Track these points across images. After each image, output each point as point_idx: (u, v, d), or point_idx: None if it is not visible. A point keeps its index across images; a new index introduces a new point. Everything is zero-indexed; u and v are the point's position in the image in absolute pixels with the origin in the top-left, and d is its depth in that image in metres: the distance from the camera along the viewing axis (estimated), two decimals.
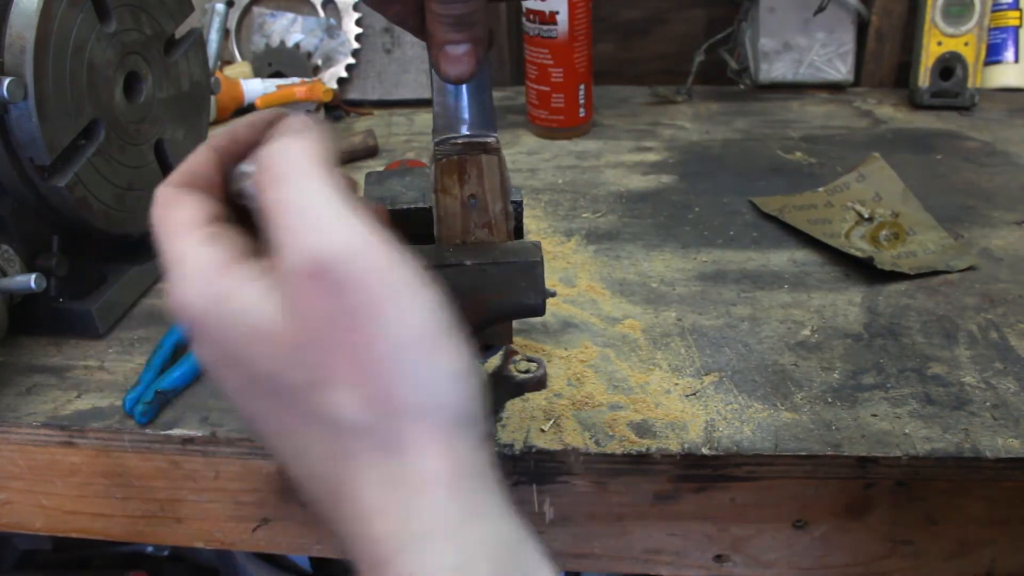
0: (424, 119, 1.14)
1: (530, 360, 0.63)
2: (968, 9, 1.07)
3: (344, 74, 1.16)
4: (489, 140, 0.54)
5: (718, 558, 0.62)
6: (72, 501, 0.66)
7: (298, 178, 0.31)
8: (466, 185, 0.53)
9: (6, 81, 0.61)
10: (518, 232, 0.57)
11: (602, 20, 1.22)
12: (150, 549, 1.16)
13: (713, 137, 1.06)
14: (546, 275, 0.52)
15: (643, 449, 0.58)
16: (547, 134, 1.08)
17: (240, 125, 0.38)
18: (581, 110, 1.06)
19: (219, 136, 0.38)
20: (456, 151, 0.53)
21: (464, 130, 0.54)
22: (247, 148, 0.38)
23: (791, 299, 0.73)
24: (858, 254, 0.77)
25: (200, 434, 0.62)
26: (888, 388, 0.63)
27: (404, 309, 0.30)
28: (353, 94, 1.18)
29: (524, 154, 1.04)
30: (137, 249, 0.80)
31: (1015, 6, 1.13)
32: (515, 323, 0.61)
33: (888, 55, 1.17)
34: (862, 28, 1.15)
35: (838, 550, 0.61)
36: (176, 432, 0.62)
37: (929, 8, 1.08)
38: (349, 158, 1.03)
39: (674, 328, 0.70)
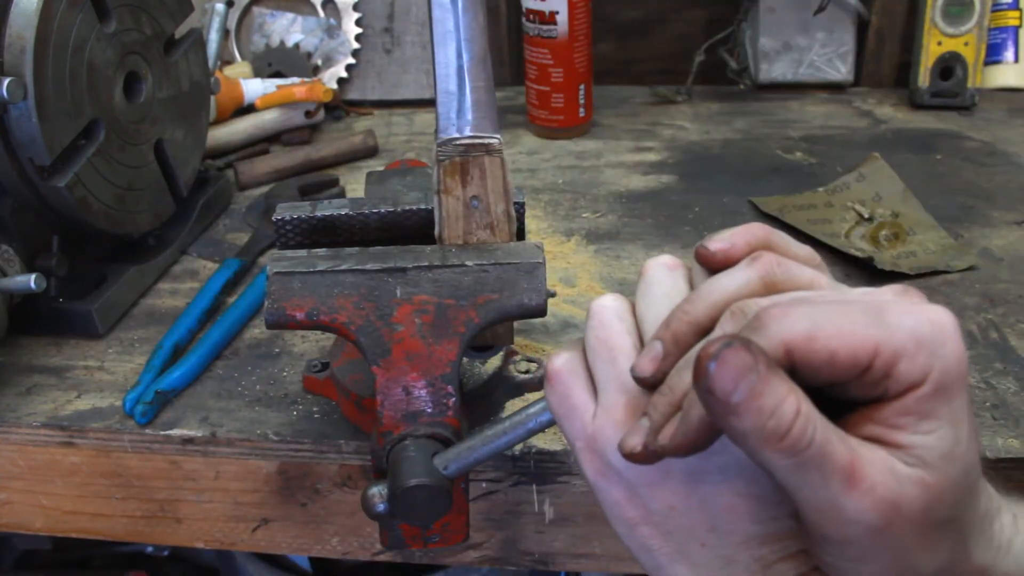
0: (424, 119, 1.14)
1: (530, 360, 0.63)
2: (968, 9, 1.07)
3: (344, 74, 1.16)
4: (492, 141, 0.54)
5: None
6: (72, 501, 0.66)
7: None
8: (468, 186, 0.53)
9: (6, 81, 0.61)
10: (520, 233, 0.58)
11: (602, 20, 1.22)
12: (150, 549, 1.16)
13: (713, 137, 1.06)
14: (546, 275, 0.52)
15: None
16: (547, 134, 1.08)
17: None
18: (581, 110, 1.06)
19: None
20: (459, 152, 0.53)
21: (467, 132, 0.54)
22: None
23: None
24: (858, 254, 0.77)
25: (200, 434, 0.62)
26: None
27: None
28: (353, 94, 1.18)
29: (524, 154, 1.04)
30: (137, 249, 0.80)
31: (1015, 6, 1.13)
32: (515, 323, 0.61)
33: (888, 55, 1.17)
34: (862, 28, 1.15)
35: None
36: (176, 432, 0.62)
37: (929, 8, 1.08)
38: (349, 158, 1.03)
39: None
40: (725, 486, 0.38)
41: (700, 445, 0.35)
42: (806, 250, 0.41)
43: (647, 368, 0.38)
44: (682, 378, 0.37)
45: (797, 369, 0.34)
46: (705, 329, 0.38)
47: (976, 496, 0.36)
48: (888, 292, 0.36)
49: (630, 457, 0.37)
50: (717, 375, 0.32)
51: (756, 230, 0.40)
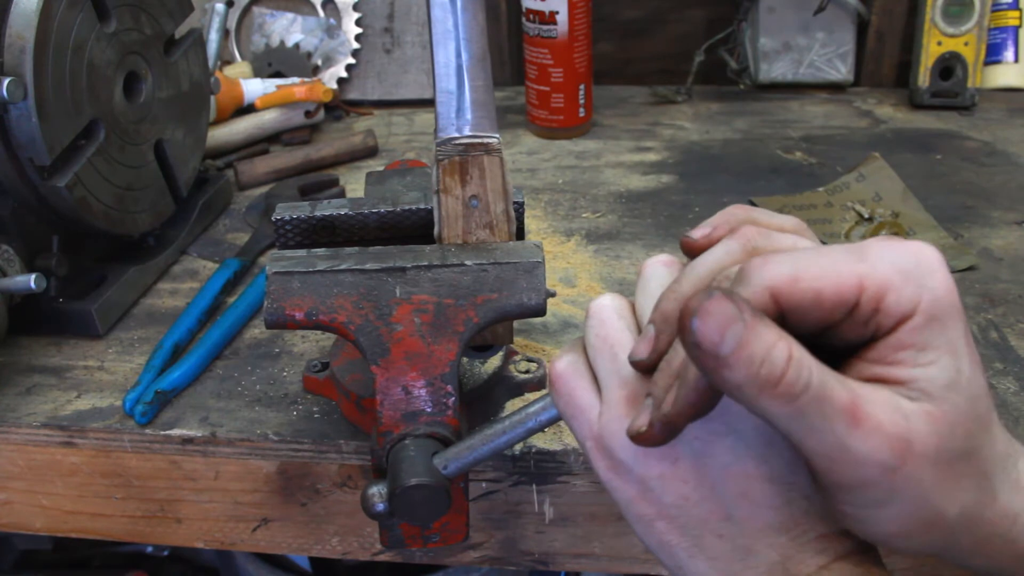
0: (424, 119, 1.14)
1: (530, 360, 0.64)
2: (968, 9, 1.07)
3: (344, 74, 1.16)
4: (491, 141, 0.54)
5: None
6: (72, 501, 0.66)
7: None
8: (468, 186, 0.53)
9: (6, 81, 0.61)
10: (519, 233, 0.58)
11: (602, 20, 1.22)
12: (150, 549, 1.16)
13: (713, 137, 1.06)
14: (546, 275, 0.52)
15: None
16: (547, 134, 1.08)
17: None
18: (581, 110, 1.06)
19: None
20: (458, 152, 0.53)
21: (466, 131, 0.54)
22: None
23: None
24: None
25: (200, 434, 0.62)
26: None
27: None
28: (353, 94, 1.18)
29: (524, 154, 1.04)
30: (137, 249, 0.80)
31: (1015, 6, 1.13)
32: (515, 323, 0.61)
33: (888, 55, 1.17)
34: (862, 28, 1.15)
35: None
36: (176, 432, 0.62)
37: (929, 8, 1.08)
38: (349, 158, 1.03)
39: None
40: (735, 468, 0.37)
41: (703, 405, 0.35)
42: (791, 220, 0.41)
43: (643, 351, 0.38)
44: (678, 354, 0.37)
45: (785, 314, 0.34)
46: None
47: (990, 429, 0.36)
48: (870, 240, 0.36)
49: (638, 438, 0.37)
50: (701, 328, 0.31)
51: (736, 210, 0.41)
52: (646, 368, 0.38)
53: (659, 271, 0.41)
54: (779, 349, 0.32)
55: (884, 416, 0.32)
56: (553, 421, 0.44)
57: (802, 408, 0.32)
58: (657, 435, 0.36)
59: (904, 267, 0.34)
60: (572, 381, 0.41)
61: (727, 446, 0.37)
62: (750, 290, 0.34)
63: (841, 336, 0.35)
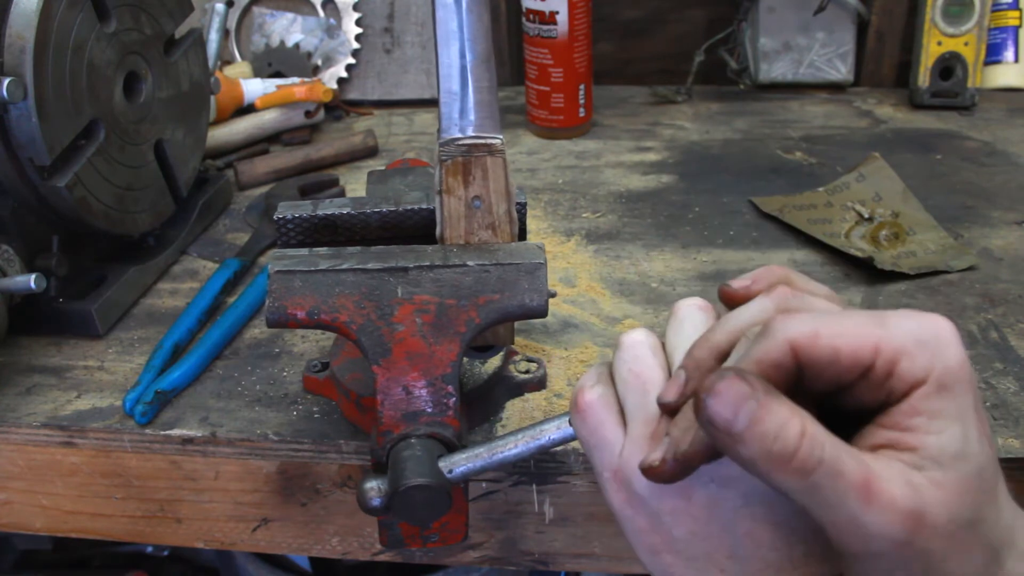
0: (424, 119, 1.14)
1: (530, 360, 0.64)
2: (968, 9, 1.07)
3: (344, 74, 1.16)
4: (494, 142, 0.54)
5: None
6: (72, 501, 0.66)
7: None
8: (471, 186, 0.53)
9: (6, 81, 0.60)
10: (521, 234, 0.58)
11: (602, 20, 1.22)
12: (150, 549, 1.16)
13: (713, 137, 1.06)
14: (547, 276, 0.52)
15: None
16: (547, 134, 1.08)
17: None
18: (581, 110, 1.06)
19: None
20: (461, 152, 0.53)
21: (470, 132, 0.54)
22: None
23: None
24: (858, 254, 0.77)
25: (200, 434, 0.62)
26: None
27: None
28: (353, 94, 1.18)
29: (524, 154, 1.04)
30: (137, 249, 0.80)
31: (1015, 6, 1.13)
32: (515, 323, 0.61)
33: (888, 55, 1.17)
34: (862, 28, 1.15)
35: None
36: (176, 432, 0.62)
37: (929, 8, 1.08)
38: (349, 158, 1.03)
39: None
40: (745, 511, 0.39)
41: (716, 450, 0.36)
42: (823, 287, 0.42)
43: (671, 394, 0.39)
44: None
45: (803, 369, 0.35)
46: (725, 354, 0.39)
47: (996, 498, 0.37)
48: (892, 311, 0.37)
49: (650, 471, 0.38)
50: (715, 406, 0.33)
51: (776, 270, 0.42)
52: (672, 411, 0.39)
53: (695, 315, 0.42)
54: (792, 425, 0.33)
55: (897, 491, 0.33)
56: (566, 442, 0.45)
57: (815, 483, 0.33)
58: (668, 471, 0.37)
59: (921, 337, 0.35)
60: (601, 413, 0.42)
61: (739, 489, 0.38)
62: (771, 343, 0.35)
63: (855, 398, 0.36)
